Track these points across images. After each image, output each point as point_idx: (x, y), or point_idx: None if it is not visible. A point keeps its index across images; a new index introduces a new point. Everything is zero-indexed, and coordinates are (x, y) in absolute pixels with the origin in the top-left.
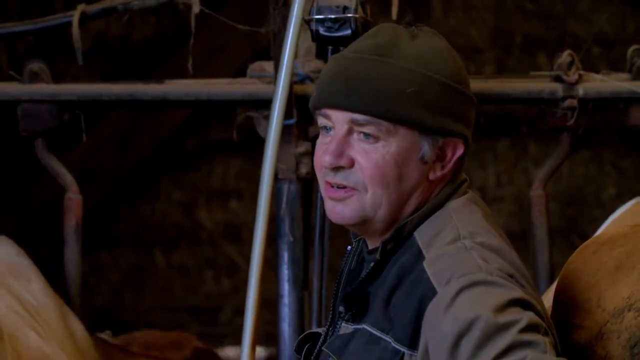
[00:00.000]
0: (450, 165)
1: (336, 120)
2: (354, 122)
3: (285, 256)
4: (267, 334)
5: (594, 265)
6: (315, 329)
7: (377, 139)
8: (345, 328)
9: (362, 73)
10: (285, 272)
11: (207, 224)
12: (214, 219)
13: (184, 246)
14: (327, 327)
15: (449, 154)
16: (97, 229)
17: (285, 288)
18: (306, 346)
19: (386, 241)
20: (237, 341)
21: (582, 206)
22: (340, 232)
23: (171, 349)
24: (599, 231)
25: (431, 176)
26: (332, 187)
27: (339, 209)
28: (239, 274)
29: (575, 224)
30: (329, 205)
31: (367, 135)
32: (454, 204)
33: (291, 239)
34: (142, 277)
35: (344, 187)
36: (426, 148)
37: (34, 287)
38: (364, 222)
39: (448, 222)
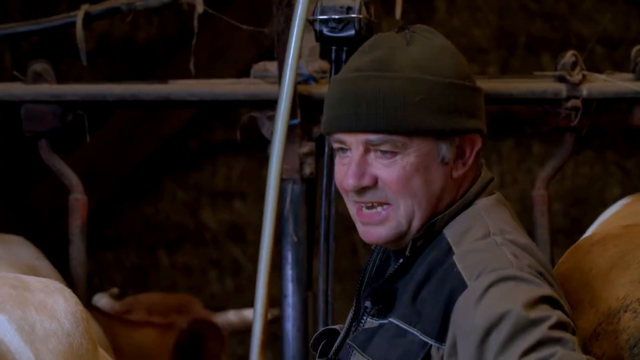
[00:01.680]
0: (470, 161)
1: (351, 142)
2: (368, 142)
3: (289, 256)
4: (271, 334)
5: (586, 266)
6: (332, 326)
7: (394, 153)
8: (371, 323)
9: (367, 92)
10: (289, 272)
11: (211, 224)
12: (218, 219)
13: (188, 246)
14: (349, 322)
15: (468, 150)
16: (101, 229)
17: (289, 288)
18: (322, 343)
19: (416, 238)
20: (241, 341)
21: (586, 206)
22: (344, 233)
23: (174, 313)
24: (589, 232)
25: (454, 174)
26: (362, 209)
27: (373, 231)
28: (243, 274)
29: (579, 224)
30: (361, 229)
31: (384, 152)
32: (482, 203)
33: (295, 239)
34: (146, 278)
35: (376, 205)
36: (444, 150)
37: None
38: (400, 238)
39: (477, 219)
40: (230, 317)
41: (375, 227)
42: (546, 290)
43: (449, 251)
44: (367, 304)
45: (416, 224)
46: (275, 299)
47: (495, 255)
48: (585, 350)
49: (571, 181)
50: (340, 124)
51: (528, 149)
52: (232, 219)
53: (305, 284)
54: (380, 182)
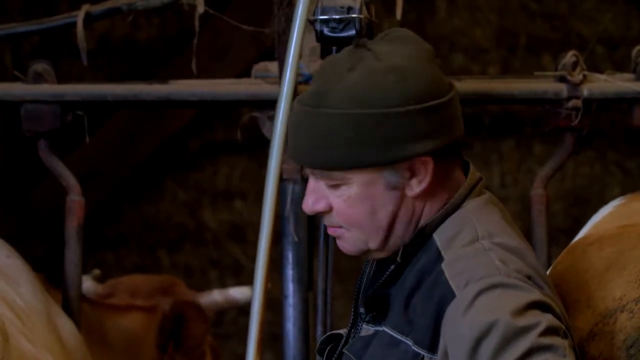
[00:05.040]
0: (428, 179)
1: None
2: (313, 173)
3: (290, 256)
4: (271, 334)
5: (582, 266)
6: (336, 331)
7: (337, 185)
8: (366, 330)
9: (302, 129)
10: (289, 273)
11: (211, 224)
12: (219, 219)
13: (189, 246)
14: (348, 328)
15: (422, 170)
16: (101, 230)
17: (290, 288)
18: (328, 348)
19: (407, 244)
20: (242, 341)
21: (587, 206)
22: None
23: (158, 295)
24: (582, 232)
25: (410, 193)
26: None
27: (340, 244)
28: (243, 274)
29: (579, 224)
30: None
31: (327, 184)
32: (472, 205)
33: (295, 239)
34: None
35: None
36: (389, 177)
37: (23, 290)
38: (367, 252)
39: (466, 222)
40: (215, 296)
41: (340, 240)
42: (535, 295)
43: (438, 257)
44: (362, 310)
45: (374, 244)
46: (275, 300)
47: (483, 261)
48: (582, 350)
49: (572, 181)
50: (291, 154)
51: (529, 149)
52: (232, 219)
53: (306, 284)
54: (333, 209)
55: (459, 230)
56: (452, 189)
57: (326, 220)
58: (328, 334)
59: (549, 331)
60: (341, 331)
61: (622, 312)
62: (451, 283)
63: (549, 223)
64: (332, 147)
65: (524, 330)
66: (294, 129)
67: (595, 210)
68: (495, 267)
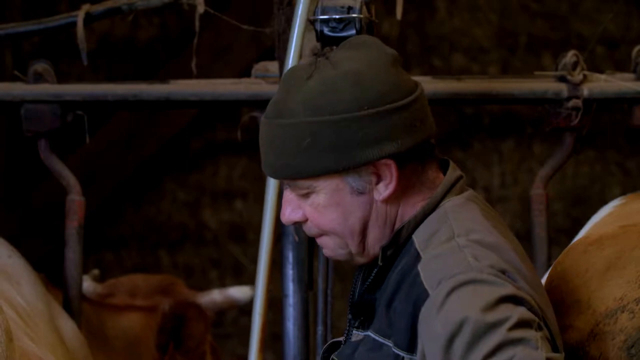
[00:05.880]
0: (394, 182)
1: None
2: (286, 184)
3: (290, 256)
4: (272, 334)
5: (582, 266)
6: (337, 339)
7: (306, 194)
8: (356, 335)
9: (266, 142)
10: (290, 272)
11: (212, 224)
12: (219, 219)
13: (189, 246)
14: (345, 335)
15: (387, 173)
16: (102, 230)
17: (290, 288)
18: (332, 355)
19: (385, 247)
20: (242, 341)
21: (587, 206)
22: None
23: (158, 295)
24: (582, 232)
25: (380, 197)
26: None
27: (325, 252)
28: (244, 274)
29: (580, 224)
30: None
31: (297, 194)
32: (450, 203)
33: (296, 239)
34: None
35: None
36: (353, 182)
37: (25, 290)
38: (350, 256)
39: (444, 221)
40: (215, 296)
41: (324, 248)
42: (507, 290)
43: (417, 258)
44: (350, 317)
45: (353, 249)
46: (276, 299)
47: (456, 259)
48: (583, 350)
49: (572, 181)
50: (262, 166)
51: (529, 149)
52: (233, 219)
53: (307, 284)
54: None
55: (437, 230)
56: (430, 189)
57: (306, 231)
58: (330, 342)
59: (521, 324)
60: (341, 339)
61: (622, 312)
62: (425, 283)
63: (549, 223)
64: (291, 157)
65: (494, 326)
66: (260, 141)
67: (595, 210)
68: (467, 263)
